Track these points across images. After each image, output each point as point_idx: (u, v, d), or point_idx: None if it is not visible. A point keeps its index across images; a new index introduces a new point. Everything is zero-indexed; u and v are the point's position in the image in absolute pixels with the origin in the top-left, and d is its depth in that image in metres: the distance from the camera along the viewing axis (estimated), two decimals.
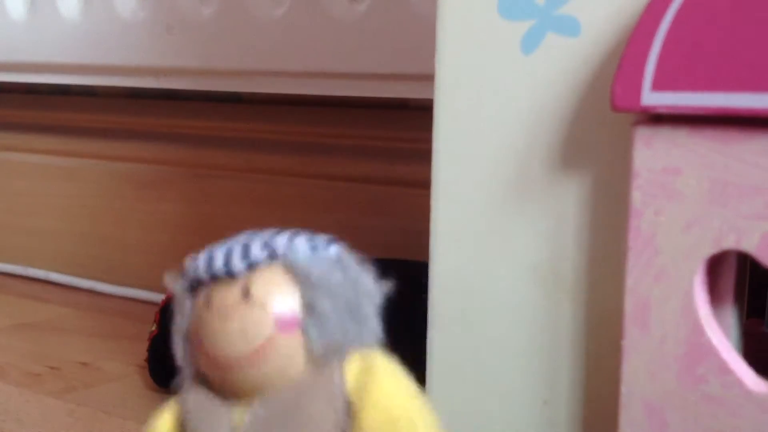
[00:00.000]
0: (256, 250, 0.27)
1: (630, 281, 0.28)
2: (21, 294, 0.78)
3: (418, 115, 0.59)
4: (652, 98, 0.27)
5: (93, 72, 0.77)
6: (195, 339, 0.28)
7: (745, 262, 0.29)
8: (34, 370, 0.57)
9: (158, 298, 0.60)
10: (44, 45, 0.78)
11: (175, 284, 0.29)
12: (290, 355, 0.27)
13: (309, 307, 0.27)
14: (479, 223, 0.33)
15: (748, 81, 0.25)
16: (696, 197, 0.27)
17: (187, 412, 0.28)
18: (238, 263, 0.27)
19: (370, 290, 0.28)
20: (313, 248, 0.28)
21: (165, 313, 0.53)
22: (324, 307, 0.27)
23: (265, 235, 0.28)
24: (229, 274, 0.27)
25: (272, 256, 0.27)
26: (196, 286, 0.28)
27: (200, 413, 0.28)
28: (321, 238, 0.28)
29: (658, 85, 0.27)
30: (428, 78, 0.34)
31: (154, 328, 0.53)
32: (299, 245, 0.27)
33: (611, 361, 0.30)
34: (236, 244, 0.28)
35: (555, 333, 0.32)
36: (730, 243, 0.27)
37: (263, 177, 0.71)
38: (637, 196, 0.28)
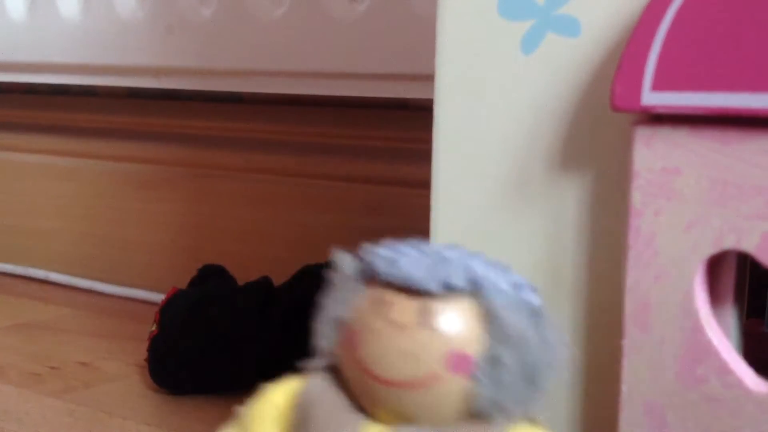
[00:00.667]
0: (456, 277, 0.24)
1: (630, 281, 0.28)
2: (21, 294, 0.78)
3: (418, 115, 0.59)
4: (652, 98, 0.27)
5: (93, 72, 0.77)
6: (350, 338, 0.25)
7: (745, 262, 0.29)
8: (34, 370, 0.57)
9: (158, 298, 0.60)
10: (44, 45, 0.78)
11: (345, 264, 0.26)
12: (450, 397, 0.24)
13: (493, 359, 0.24)
14: (479, 223, 0.33)
15: (748, 81, 0.25)
16: (696, 197, 0.27)
17: (312, 401, 0.25)
18: (433, 283, 0.24)
19: (557, 363, 0.25)
20: (516, 289, 0.25)
21: (165, 313, 0.53)
22: (508, 364, 0.24)
23: (468, 258, 0.25)
24: (418, 289, 0.24)
25: (471, 287, 0.24)
26: (367, 277, 0.25)
27: (327, 409, 0.25)
28: (521, 279, 0.25)
29: (658, 85, 0.27)
30: (428, 78, 0.34)
31: (154, 328, 0.53)
32: (500, 283, 0.24)
33: (611, 361, 0.30)
34: (432, 258, 0.24)
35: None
36: (730, 243, 0.27)
37: (263, 177, 0.71)
38: (637, 196, 0.28)
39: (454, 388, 0.24)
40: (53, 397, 0.52)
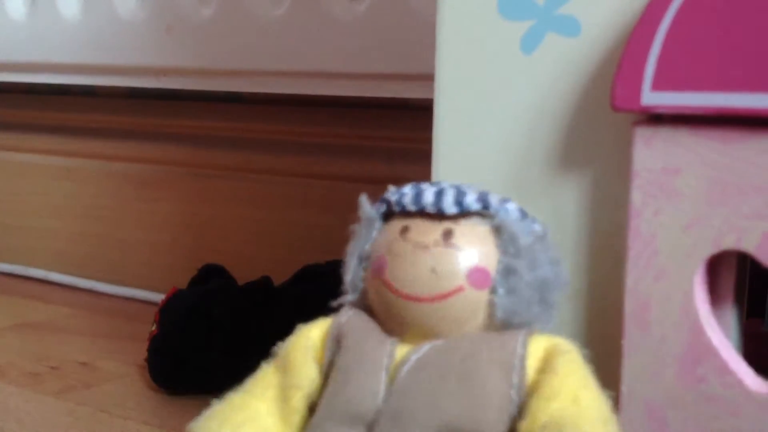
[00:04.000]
0: (471, 199, 0.27)
1: (630, 281, 0.28)
2: (21, 294, 0.78)
3: (418, 115, 0.59)
4: (652, 98, 0.27)
5: (93, 72, 0.77)
6: (377, 265, 0.27)
7: (745, 262, 0.29)
8: (34, 370, 0.57)
9: (158, 298, 0.60)
10: (44, 45, 0.78)
11: (366, 207, 0.28)
12: (473, 311, 0.26)
13: (507, 270, 0.26)
14: None
15: (748, 81, 0.25)
16: (696, 197, 0.27)
17: (345, 332, 0.27)
18: (450, 205, 0.27)
19: (562, 279, 0.28)
20: (523, 216, 0.27)
21: (165, 313, 0.53)
22: (522, 275, 0.26)
23: (478, 187, 0.28)
24: (440, 212, 0.27)
25: (485, 209, 0.27)
26: (388, 214, 0.28)
27: (363, 335, 0.27)
28: (527, 212, 0.28)
29: (658, 85, 0.27)
30: (428, 78, 0.34)
31: (154, 328, 0.53)
32: (511, 209, 0.27)
33: (611, 361, 0.30)
34: (449, 187, 0.27)
35: (555, 333, 0.32)
36: (730, 243, 0.27)
37: (263, 177, 0.71)
38: (637, 196, 0.28)
39: (476, 300, 0.26)
40: (53, 397, 0.52)
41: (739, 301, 0.29)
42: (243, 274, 0.58)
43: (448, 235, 0.26)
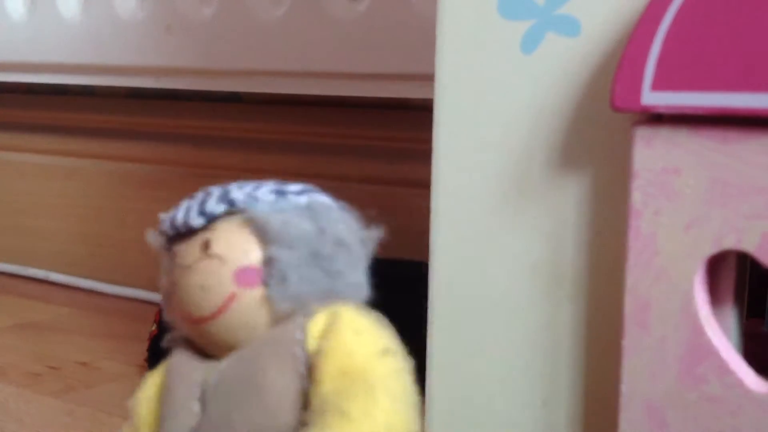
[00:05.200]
0: (212, 204, 0.26)
1: (630, 281, 0.28)
2: (21, 294, 0.78)
3: (418, 115, 0.59)
4: (652, 98, 0.27)
5: (92, 72, 0.77)
6: (168, 296, 0.27)
7: (745, 262, 0.29)
8: (34, 370, 0.57)
9: (158, 298, 0.60)
10: (44, 45, 0.78)
11: (153, 241, 0.28)
12: (254, 310, 0.26)
13: (268, 260, 0.25)
14: (479, 223, 0.33)
15: (748, 81, 0.25)
16: (696, 197, 0.27)
17: (169, 370, 0.27)
18: (195, 217, 0.26)
19: (345, 240, 0.26)
20: (279, 196, 0.27)
21: None
22: (283, 259, 0.25)
23: (229, 187, 0.27)
24: (189, 229, 0.26)
25: (231, 208, 0.26)
26: (170, 242, 0.27)
27: (178, 371, 0.27)
28: (293, 186, 0.27)
29: (658, 85, 0.27)
30: (428, 78, 0.34)
31: (154, 328, 0.53)
32: (261, 195, 0.27)
33: (611, 361, 0.30)
34: (196, 199, 0.27)
35: (555, 333, 0.32)
36: (730, 243, 0.27)
37: (263, 177, 0.71)
38: (637, 196, 0.28)
39: (253, 300, 0.25)
40: (53, 397, 0.52)
41: (739, 301, 0.29)
42: None
43: (205, 246, 0.26)
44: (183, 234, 0.27)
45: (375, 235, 0.27)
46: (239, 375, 0.25)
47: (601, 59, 0.30)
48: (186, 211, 0.27)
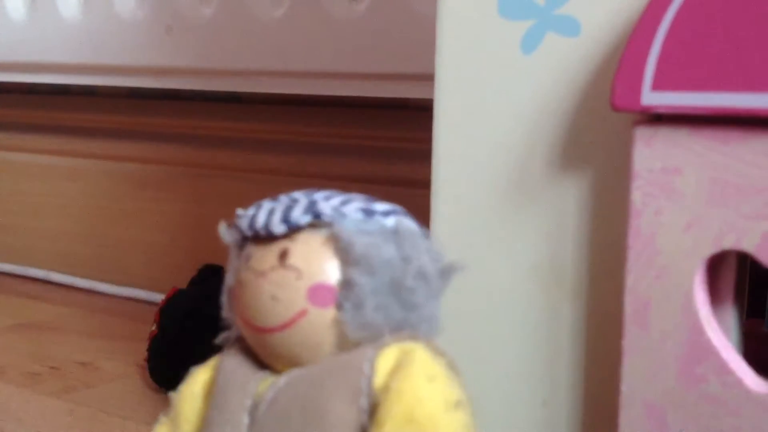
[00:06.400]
0: (298, 213, 0.25)
1: (630, 281, 0.28)
2: (21, 294, 0.78)
3: (418, 115, 0.59)
4: (652, 98, 0.27)
5: (93, 72, 0.77)
6: (233, 297, 0.26)
7: (745, 262, 0.29)
8: (34, 370, 0.57)
9: (158, 298, 0.60)
10: (44, 45, 0.78)
11: (224, 235, 0.27)
12: (322, 331, 0.24)
13: (346, 282, 0.24)
14: (479, 223, 0.33)
15: (748, 81, 0.25)
16: (696, 197, 0.27)
17: (220, 371, 0.26)
18: (277, 224, 0.25)
19: (428, 272, 0.25)
20: (367, 216, 0.25)
21: (165, 313, 0.53)
22: (362, 284, 0.24)
23: (315, 196, 0.25)
24: (269, 235, 0.25)
25: (316, 220, 0.25)
26: (244, 241, 0.26)
27: (231, 375, 0.26)
28: (381, 206, 0.26)
29: (658, 85, 0.27)
30: (428, 78, 0.34)
31: (154, 328, 0.53)
32: (349, 211, 0.25)
33: (611, 361, 0.30)
34: (281, 203, 0.25)
35: (555, 333, 0.32)
36: (730, 243, 0.27)
37: (263, 177, 0.71)
38: (637, 196, 0.28)
39: (323, 321, 0.24)
40: (53, 397, 0.52)
41: (739, 301, 0.29)
42: None
43: (283, 256, 0.25)
44: (260, 237, 0.25)
45: (455, 268, 0.25)
46: (298, 398, 0.24)
47: (601, 59, 0.30)
48: (268, 215, 0.25)
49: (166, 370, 0.52)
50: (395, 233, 0.25)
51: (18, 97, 0.86)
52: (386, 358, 0.24)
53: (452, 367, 0.25)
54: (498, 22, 0.32)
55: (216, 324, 0.54)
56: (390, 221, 0.25)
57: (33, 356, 0.60)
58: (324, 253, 0.25)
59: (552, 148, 0.32)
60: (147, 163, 0.78)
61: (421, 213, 0.36)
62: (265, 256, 0.25)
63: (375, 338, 0.24)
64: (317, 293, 0.24)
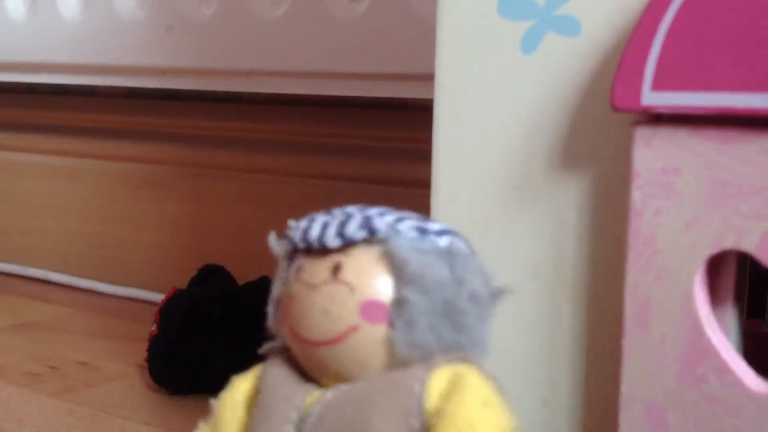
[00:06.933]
0: (353, 228, 0.25)
1: (630, 281, 0.28)
2: (21, 294, 0.78)
3: (418, 115, 0.59)
4: (652, 98, 0.27)
5: (93, 72, 0.77)
6: (282, 308, 0.26)
7: (745, 262, 0.29)
8: (34, 370, 0.57)
9: (158, 298, 0.60)
10: (44, 45, 0.78)
11: (274, 246, 0.27)
12: (372, 348, 0.24)
13: (399, 301, 0.24)
14: (479, 223, 0.33)
15: (748, 81, 0.25)
16: (696, 197, 0.27)
17: (264, 382, 0.26)
18: (332, 238, 0.25)
19: (479, 295, 0.25)
20: (421, 234, 0.25)
21: (165, 313, 0.53)
22: (416, 303, 0.24)
23: (370, 212, 0.25)
24: (323, 248, 0.25)
25: (372, 235, 0.25)
26: (294, 252, 0.26)
27: (276, 386, 0.26)
28: (434, 225, 0.26)
29: (658, 85, 0.27)
30: (428, 78, 0.34)
31: (154, 328, 0.53)
32: (404, 229, 0.25)
33: (611, 361, 0.30)
34: (335, 217, 0.25)
35: (555, 333, 0.32)
36: (730, 243, 0.27)
37: (263, 177, 0.71)
38: (637, 196, 0.28)
39: (374, 338, 0.24)
40: (53, 397, 0.52)
41: (739, 301, 0.29)
42: (243, 274, 0.58)
43: (336, 270, 0.24)
44: (313, 250, 0.25)
45: (504, 291, 0.25)
46: (346, 416, 0.24)
47: (601, 59, 0.30)
48: (323, 229, 0.25)
49: (166, 370, 0.52)
50: (449, 254, 0.25)
51: (18, 97, 0.86)
52: (438, 380, 0.24)
53: (502, 392, 0.25)
54: (498, 22, 0.32)
55: (216, 324, 0.55)
56: (443, 241, 0.25)
57: (33, 356, 0.60)
58: (377, 269, 0.25)
59: (552, 148, 0.32)
60: (147, 163, 0.78)
61: (421, 213, 0.36)
62: (318, 270, 0.25)
63: (425, 358, 0.24)
64: (370, 309, 0.24)
